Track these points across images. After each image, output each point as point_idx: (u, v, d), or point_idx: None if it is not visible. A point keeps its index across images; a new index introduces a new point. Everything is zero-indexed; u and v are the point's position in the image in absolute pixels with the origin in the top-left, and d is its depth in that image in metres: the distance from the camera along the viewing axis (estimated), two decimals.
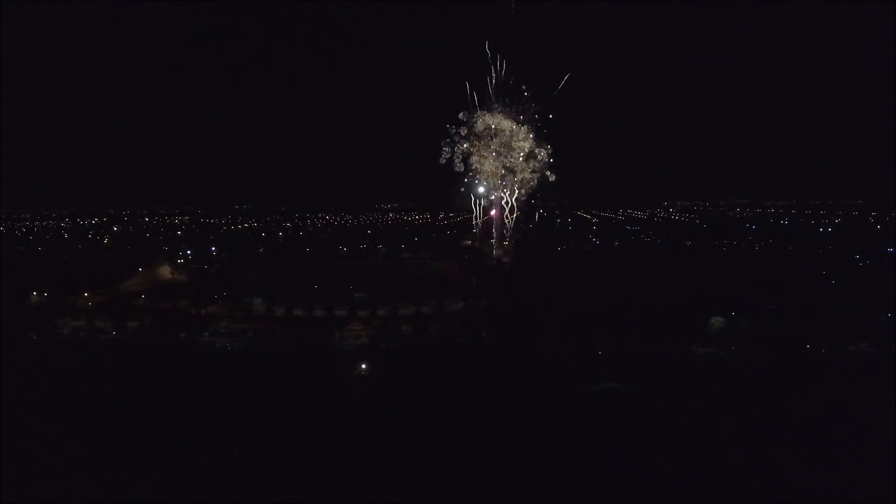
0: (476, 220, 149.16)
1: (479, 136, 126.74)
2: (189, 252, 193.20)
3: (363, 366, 77.14)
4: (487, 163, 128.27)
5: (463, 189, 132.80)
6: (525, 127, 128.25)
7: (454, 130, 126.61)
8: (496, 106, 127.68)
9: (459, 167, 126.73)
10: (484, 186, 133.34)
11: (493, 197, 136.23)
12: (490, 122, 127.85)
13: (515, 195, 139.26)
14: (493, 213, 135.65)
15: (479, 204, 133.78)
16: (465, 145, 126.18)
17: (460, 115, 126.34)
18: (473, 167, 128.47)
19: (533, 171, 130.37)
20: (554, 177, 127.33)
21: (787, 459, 48.99)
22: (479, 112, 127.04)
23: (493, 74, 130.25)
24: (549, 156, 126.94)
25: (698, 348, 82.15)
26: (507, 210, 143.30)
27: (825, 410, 58.41)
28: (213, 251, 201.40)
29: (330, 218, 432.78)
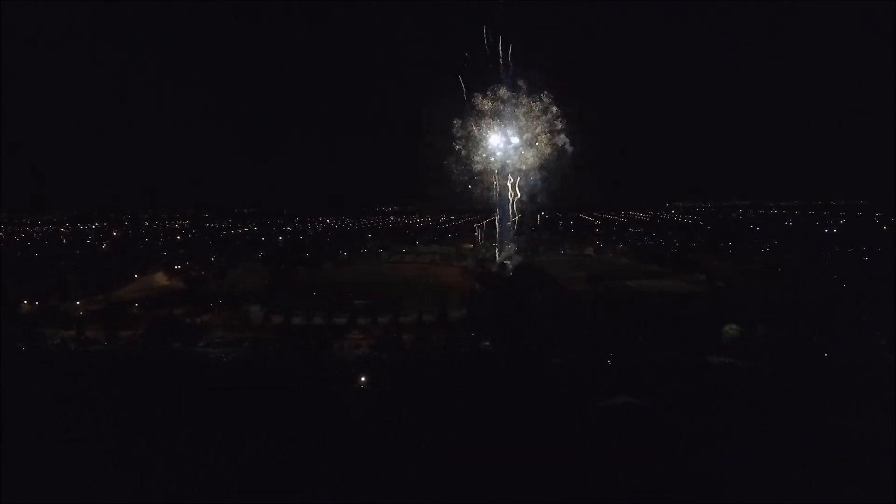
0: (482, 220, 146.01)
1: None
2: (187, 258, 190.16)
3: (363, 378, 74.03)
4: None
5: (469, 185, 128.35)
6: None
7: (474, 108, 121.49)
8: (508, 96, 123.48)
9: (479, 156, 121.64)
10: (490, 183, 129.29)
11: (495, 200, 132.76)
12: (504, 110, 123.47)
13: (518, 197, 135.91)
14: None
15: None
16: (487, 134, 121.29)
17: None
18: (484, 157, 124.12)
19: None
20: (570, 147, 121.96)
21: (807, 478, 46.43)
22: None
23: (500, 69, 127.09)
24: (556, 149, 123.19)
25: (713, 357, 78.75)
26: (510, 211, 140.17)
27: (847, 423, 55.67)
28: (212, 257, 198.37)
29: (330, 221, 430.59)
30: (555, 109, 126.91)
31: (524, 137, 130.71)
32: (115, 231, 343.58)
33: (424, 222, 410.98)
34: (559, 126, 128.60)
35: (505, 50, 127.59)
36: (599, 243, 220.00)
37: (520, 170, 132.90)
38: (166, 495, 47.55)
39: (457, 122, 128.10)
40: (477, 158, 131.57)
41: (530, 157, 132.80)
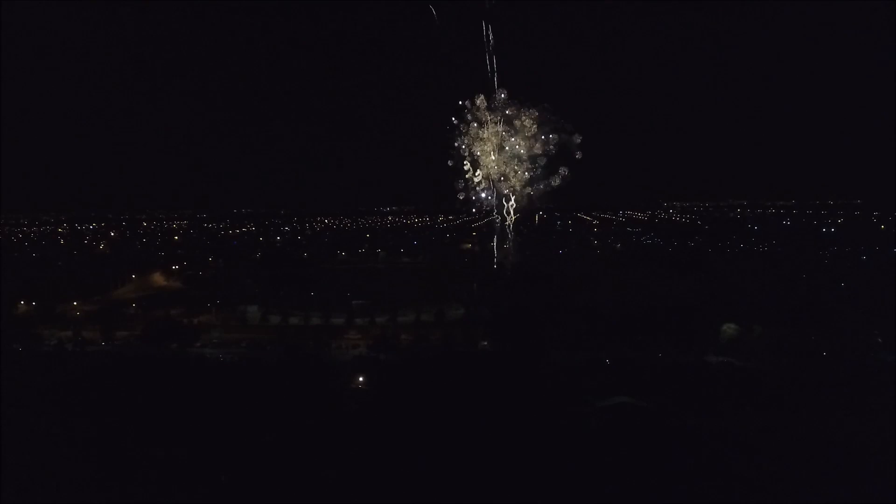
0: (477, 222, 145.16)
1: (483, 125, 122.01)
2: (184, 258, 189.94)
3: (360, 378, 73.82)
4: (489, 159, 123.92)
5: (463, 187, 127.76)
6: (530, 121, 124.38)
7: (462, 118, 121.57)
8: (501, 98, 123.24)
9: (465, 166, 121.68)
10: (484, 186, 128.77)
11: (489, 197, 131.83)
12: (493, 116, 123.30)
13: (515, 196, 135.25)
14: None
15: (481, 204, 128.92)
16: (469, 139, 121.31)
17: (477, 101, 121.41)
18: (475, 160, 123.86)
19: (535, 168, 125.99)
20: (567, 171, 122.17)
21: (807, 478, 46.33)
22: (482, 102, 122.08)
23: (494, 73, 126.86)
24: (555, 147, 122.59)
25: (711, 357, 78.63)
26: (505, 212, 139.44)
27: (846, 423, 55.56)
28: (209, 257, 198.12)
29: (329, 221, 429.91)
30: (544, 112, 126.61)
31: (521, 139, 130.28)
32: (113, 231, 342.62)
33: (423, 223, 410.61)
34: (554, 128, 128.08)
35: (500, 50, 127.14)
36: (597, 242, 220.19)
37: (518, 171, 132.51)
38: (165, 496, 47.29)
39: (454, 121, 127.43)
40: (475, 160, 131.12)
41: (527, 160, 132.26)
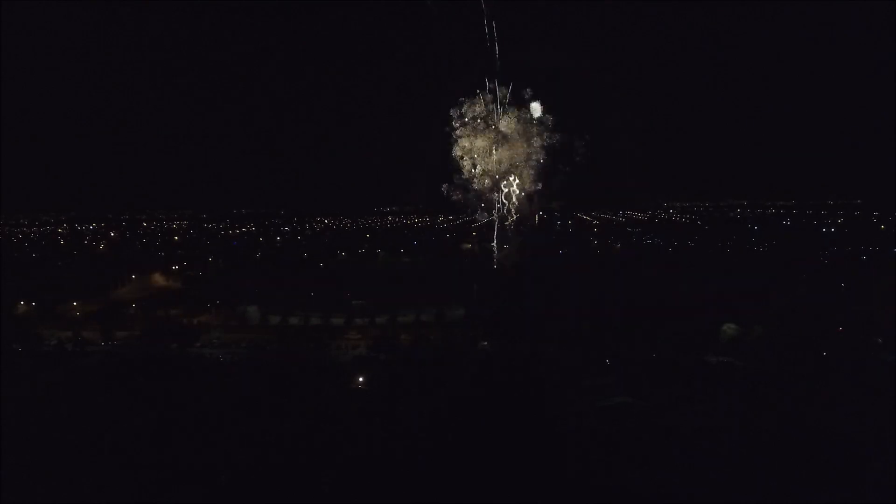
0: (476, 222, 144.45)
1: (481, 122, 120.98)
2: (184, 258, 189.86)
3: (360, 378, 73.84)
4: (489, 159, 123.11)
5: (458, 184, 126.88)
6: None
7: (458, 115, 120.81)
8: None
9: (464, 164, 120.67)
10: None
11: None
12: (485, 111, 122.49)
13: (515, 196, 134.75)
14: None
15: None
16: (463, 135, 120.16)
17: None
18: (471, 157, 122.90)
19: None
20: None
21: (807, 478, 46.35)
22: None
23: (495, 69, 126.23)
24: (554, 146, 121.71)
25: (711, 357, 78.62)
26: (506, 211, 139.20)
27: (846, 423, 55.59)
28: (209, 257, 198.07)
29: (328, 222, 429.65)
30: (546, 114, 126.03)
31: (521, 139, 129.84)
32: (113, 231, 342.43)
33: (423, 223, 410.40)
34: (553, 129, 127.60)
35: (500, 51, 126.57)
36: (597, 242, 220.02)
37: (517, 172, 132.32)
38: (164, 496, 47.35)
39: (454, 120, 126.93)
40: (474, 160, 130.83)
41: (528, 159, 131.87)
